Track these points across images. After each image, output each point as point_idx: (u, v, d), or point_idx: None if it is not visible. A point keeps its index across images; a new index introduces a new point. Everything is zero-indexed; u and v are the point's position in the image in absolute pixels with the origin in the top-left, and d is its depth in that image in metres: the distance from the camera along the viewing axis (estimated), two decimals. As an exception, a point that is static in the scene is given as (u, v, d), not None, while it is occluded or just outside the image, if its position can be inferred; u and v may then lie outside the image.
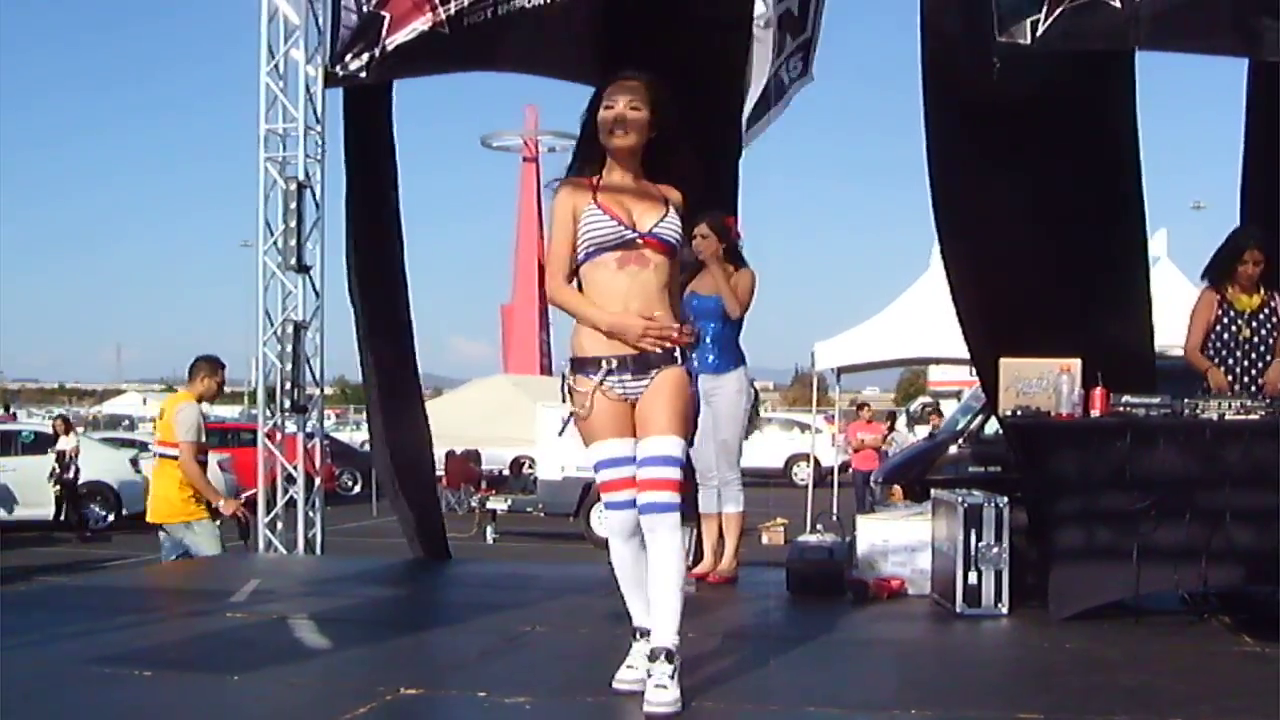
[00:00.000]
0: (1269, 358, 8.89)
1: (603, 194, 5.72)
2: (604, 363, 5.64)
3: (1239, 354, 8.90)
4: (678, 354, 5.66)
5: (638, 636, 5.79)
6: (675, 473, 5.57)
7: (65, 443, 24.83)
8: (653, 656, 5.54)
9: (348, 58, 11.40)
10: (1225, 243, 9.15)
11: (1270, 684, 6.36)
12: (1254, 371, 8.86)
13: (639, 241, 5.65)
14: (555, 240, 5.76)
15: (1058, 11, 9.61)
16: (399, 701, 5.88)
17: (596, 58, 10.91)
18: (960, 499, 8.35)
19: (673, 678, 5.49)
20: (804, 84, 12.10)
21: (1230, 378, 8.89)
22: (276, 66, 11.87)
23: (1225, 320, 8.95)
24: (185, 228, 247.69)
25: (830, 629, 8.13)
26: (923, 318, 19.22)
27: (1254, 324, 8.92)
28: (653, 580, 5.61)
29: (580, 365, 5.71)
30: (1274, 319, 8.95)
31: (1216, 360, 8.95)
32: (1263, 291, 8.96)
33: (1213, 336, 9.01)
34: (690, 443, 5.77)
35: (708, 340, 9.36)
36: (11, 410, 39.60)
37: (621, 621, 8.01)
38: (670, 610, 5.55)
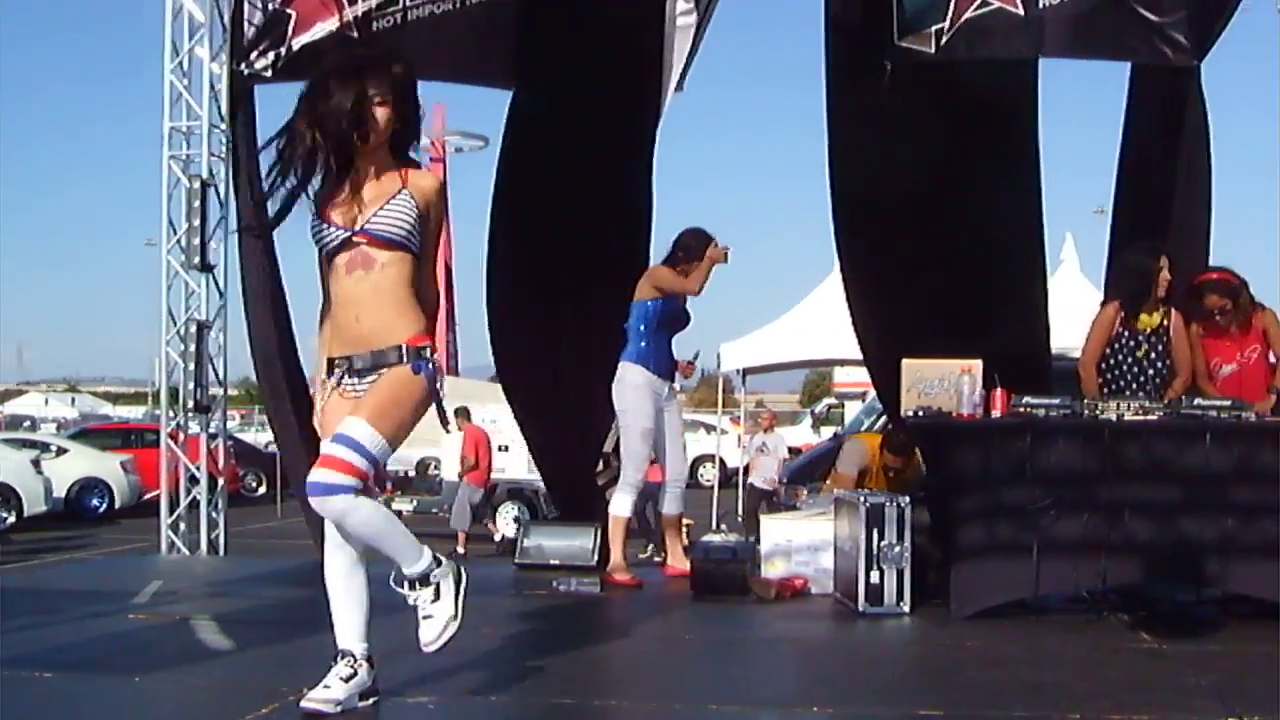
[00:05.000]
0: (1165, 375, 8.89)
1: (334, 198, 5.54)
2: (338, 364, 5.57)
3: (1135, 371, 8.84)
4: (404, 354, 5.44)
5: (339, 659, 5.58)
6: (352, 455, 5.29)
7: None
8: (411, 585, 5.60)
9: (253, 56, 11.28)
10: (1133, 268, 8.98)
11: (1167, 680, 6.49)
12: (1150, 389, 8.77)
13: (355, 240, 5.46)
14: None
15: (961, 20, 9.72)
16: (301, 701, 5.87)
17: (512, 61, 10.92)
18: (862, 498, 8.42)
19: (435, 601, 5.60)
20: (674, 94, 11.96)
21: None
22: (181, 63, 11.76)
23: (1125, 337, 8.88)
24: (90, 225, 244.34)
25: (733, 628, 8.20)
26: (828, 319, 19.24)
27: (1151, 340, 8.90)
28: (364, 546, 5.60)
29: (328, 365, 5.62)
30: (1167, 337, 8.90)
31: (1113, 377, 8.87)
32: (1161, 309, 8.92)
33: (1109, 354, 8.91)
34: (391, 440, 5.44)
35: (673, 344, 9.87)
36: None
37: (527, 620, 8.09)
38: (393, 549, 5.60)
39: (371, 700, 5.64)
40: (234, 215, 11.76)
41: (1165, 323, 8.89)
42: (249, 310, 11.44)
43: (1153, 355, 8.85)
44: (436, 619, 5.57)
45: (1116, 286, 9.18)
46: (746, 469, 22.60)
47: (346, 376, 5.55)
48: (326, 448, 5.37)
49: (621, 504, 9.73)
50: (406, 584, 5.59)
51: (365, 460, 5.34)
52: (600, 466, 11.45)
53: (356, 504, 5.36)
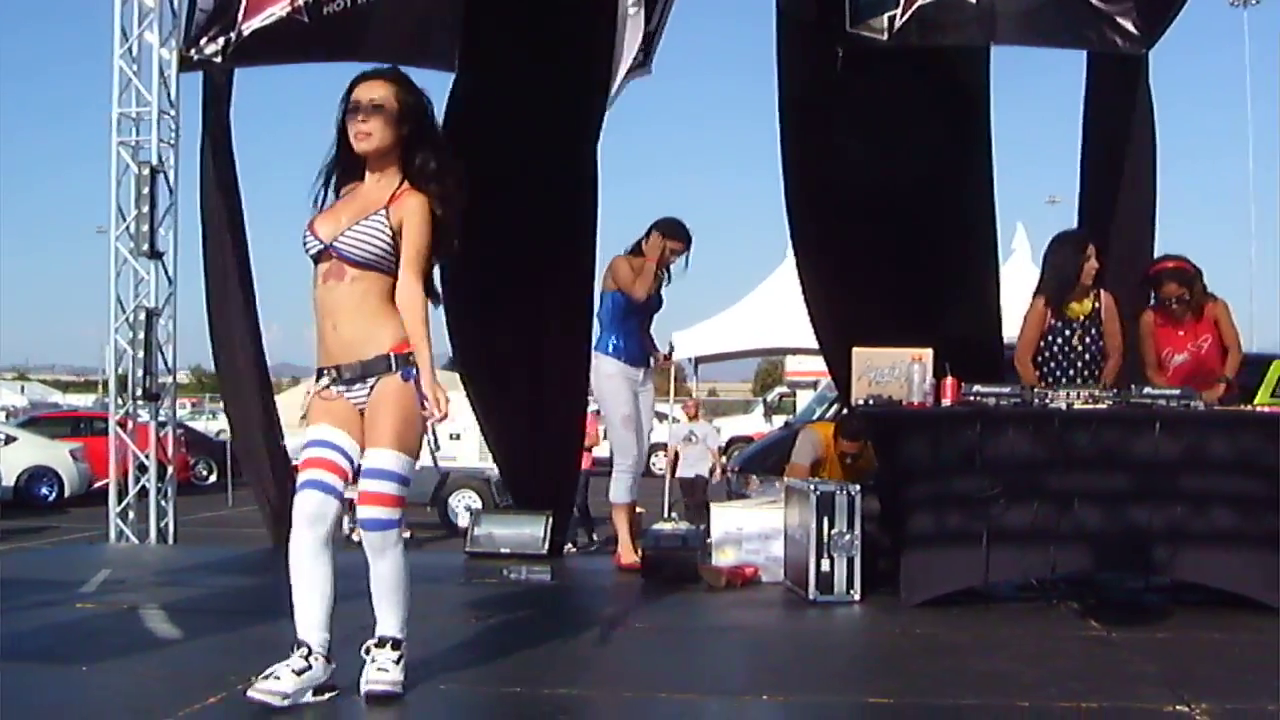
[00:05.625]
0: (1099, 359, 8.91)
1: (327, 208, 5.77)
2: (326, 372, 5.68)
3: (1073, 357, 8.85)
4: (392, 362, 5.58)
5: (294, 649, 5.57)
6: (392, 487, 5.54)
7: None
8: (380, 644, 5.64)
9: (203, 41, 11.24)
10: (1060, 260, 8.90)
11: (1116, 667, 6.52)
12: (1086, 375, 8.79)
13: (328, 254, 5.61)
14: None
15: (914, 8, 9.74)
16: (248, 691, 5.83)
17: (462, 45, 10.85)
18: (813, 486, 8.43)
19: (396, 663, 5.64)
20: (641, 75, 12.00)
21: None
22: (130, 49, 11.68)
23: (1058, 327, 8.88)
24: (40, 212, 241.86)
25: (683, 616, 8.19)
26: (780, 308, 19.29)
27: (1085, 326, 8.90)
28: (376, 586, 5.64)
29: (317, 373, 5.78)
30: (1100, 320, 8.93)
31: (1049, 368, 8.88)
32: (1091, 294, 8.96)
33: (1043, 345, 8.92)
34: (415, 457, 5.69)
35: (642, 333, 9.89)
36: None
37: (477, 608, 8.06)
38: (394, 605, 5.66)
39: (327, 695, 5.60)
40: (183, 202, 11.72)
41: (1097, 306, 8.90)
42: (211, 298, 11.40)
43: (1086, 340, 8.86)
44: (391, 674, 5.63)
45: (1044, 280, 9.08)
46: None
47: (335, 385, 5.66)
48: (368, 484, 5.53)
49: (619, 491, 9.82)
50: (376, 642, 5.67)
51: (404, 486, 5.60)
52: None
53: (402, 544, 5.65)
